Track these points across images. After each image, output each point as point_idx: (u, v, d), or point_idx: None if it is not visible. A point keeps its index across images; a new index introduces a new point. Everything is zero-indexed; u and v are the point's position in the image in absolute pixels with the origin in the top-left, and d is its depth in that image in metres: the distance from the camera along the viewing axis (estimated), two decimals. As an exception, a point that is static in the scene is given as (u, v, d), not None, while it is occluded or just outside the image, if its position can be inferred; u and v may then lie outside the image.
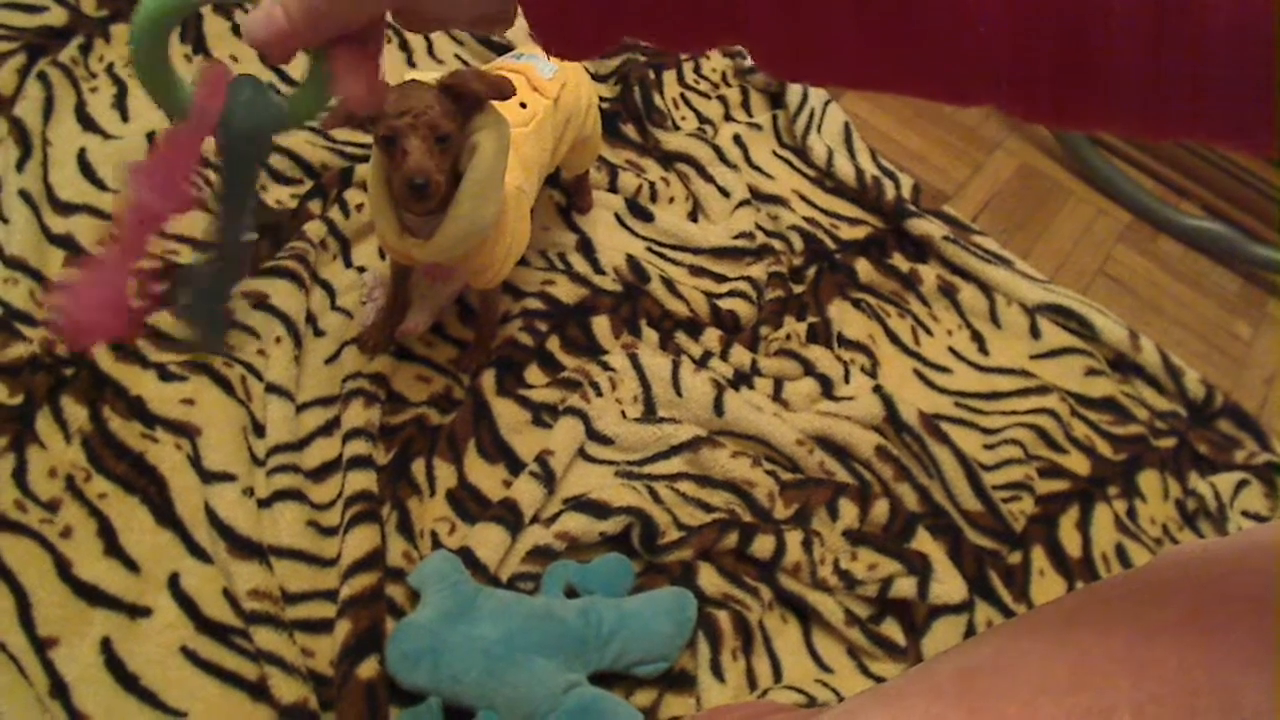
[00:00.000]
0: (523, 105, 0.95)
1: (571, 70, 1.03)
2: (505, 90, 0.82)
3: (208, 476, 0.89)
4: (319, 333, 1.03)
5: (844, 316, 1.22)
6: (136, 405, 0.92)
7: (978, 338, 1.28)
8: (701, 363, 1.10)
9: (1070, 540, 1.09)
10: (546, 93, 0.98)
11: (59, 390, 0.91)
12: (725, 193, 1.31)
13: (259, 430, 0.94)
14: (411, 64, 1.37)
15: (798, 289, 1.25)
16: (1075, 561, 1.07)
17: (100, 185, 1.09)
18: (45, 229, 1.03)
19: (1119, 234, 1.54)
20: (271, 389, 0.96)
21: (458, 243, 0.86)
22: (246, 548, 0.84)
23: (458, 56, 1.40)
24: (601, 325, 1.10)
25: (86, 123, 1.15)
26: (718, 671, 0.88)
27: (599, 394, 1.03)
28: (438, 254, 0.88)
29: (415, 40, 1.40)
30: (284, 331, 1.00)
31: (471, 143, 0.83)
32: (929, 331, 1.27)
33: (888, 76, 0.38)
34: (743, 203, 1.30)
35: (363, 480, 0.90)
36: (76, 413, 0.90)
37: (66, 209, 1.06)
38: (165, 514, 0.87)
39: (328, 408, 0.97)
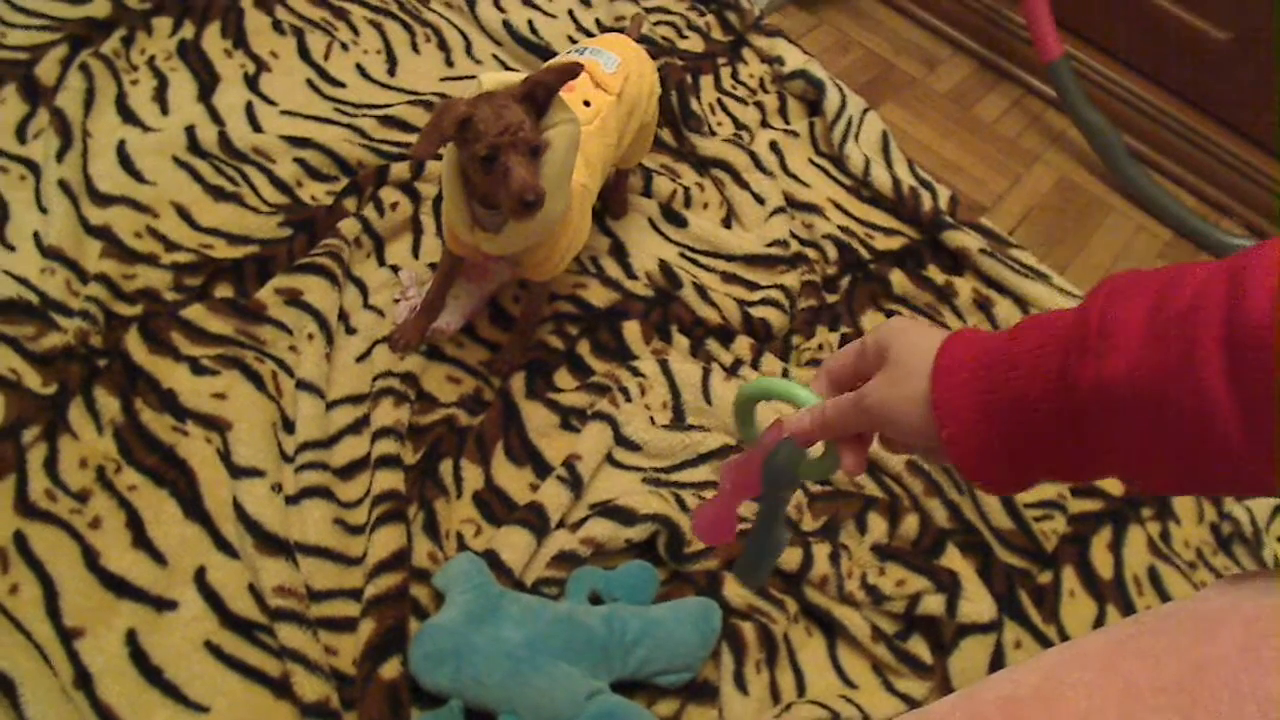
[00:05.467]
0: (586, 104, 0.96)
1: (634, 58, 1.04)
2: (573, 70, 0.84)
3: (237, 471, 0.89)
4: (351, 330, 1.03)
5: (877, 327, 1.21)
6: (168, 398, 0.92)
7: (1012, 353, 1.26)
8: (732, 370, 1.09)
9: (1102, 561, 1.07)
10: (610, 88, 0.99)
11: (92, 381, 0.91)
12: (760, 200, 1.30)
13: (289, 426, 0.94)
14: (449, 63, 1.37)
15: (831, 299, 1.24)
16: (1106, 583, 1.05)
17: (139, 177, 1.10)
18: (83, 220, 1.04)
19: (1159, 251, 1.52)
20: (302, 385, 0.96)
21: (527, 237, 0.89)
22: (273, 544, 0.84)
23: (495, 56, 1.40)
24: (632, 330, 1.10)
25: (126, 114, 1.16)
26: (741, 683, 0.87)
27: (628, 399, 1.02)
28: (507, 247, 0.90)
29: (453, 39, 1.40)
30: (316, 328, 1.00)
31: (544, 140, 0.84)
32: (963, 345, 1.25)
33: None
34: (777, 210, 1.29)
35: (390, 479, 0.90)
36: (109, 404, 0.90)
37: (105, 200, 1.06)
38: (194, 507, 0.87)
39: (357, 406, 0.97)
